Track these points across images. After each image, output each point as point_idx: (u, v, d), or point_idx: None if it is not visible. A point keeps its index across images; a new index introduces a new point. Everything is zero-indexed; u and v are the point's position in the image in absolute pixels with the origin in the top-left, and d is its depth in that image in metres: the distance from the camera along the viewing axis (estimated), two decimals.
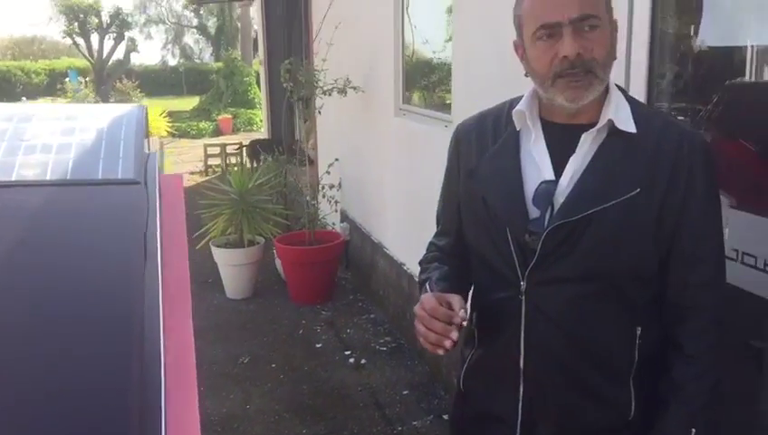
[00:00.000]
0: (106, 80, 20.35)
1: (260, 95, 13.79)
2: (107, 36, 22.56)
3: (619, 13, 2.16)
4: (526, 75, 1.42)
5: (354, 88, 5.08)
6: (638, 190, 1.30)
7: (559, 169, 1.37)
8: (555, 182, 1.36)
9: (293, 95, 5.36)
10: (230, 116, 17.93)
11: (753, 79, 1.94)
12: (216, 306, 5.18)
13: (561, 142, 1.38)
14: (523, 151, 1.42)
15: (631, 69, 2.17)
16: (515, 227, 1.38)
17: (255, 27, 14.70)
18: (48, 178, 2.14)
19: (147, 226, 2.13)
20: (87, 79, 23.65)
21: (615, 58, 1.37)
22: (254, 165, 8.61)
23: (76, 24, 21.72)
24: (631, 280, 1.36)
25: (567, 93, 1.32)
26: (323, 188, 5.66)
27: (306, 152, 6.00)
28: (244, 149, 10.58)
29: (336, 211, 5.78)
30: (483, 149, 1.48)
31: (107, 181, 2.17)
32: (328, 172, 5.61)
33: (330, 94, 5.13)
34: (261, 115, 13.78)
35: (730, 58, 1.98)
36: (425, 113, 4.16)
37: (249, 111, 18.30)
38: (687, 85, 2.18)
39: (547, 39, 1.31)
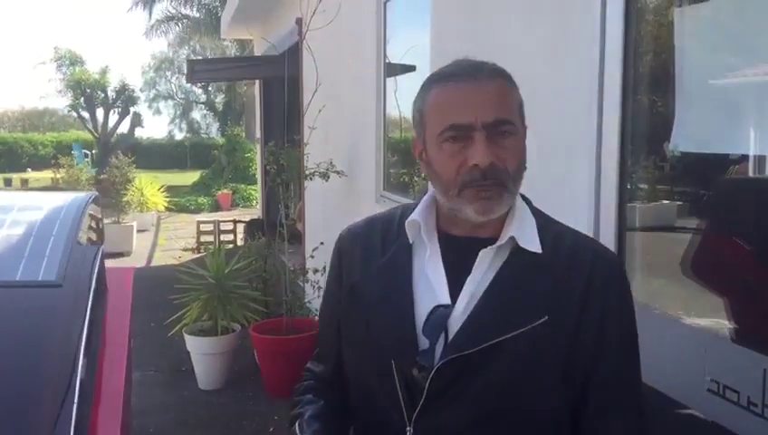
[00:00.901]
0: (110, 153, 20.57)
1: (258, 169, 13.84)
2: (112, 111, 22.94)
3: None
4: (424, 178, 1.26)
5: (338, 172, 4.96)
6: (544, 319, 1.11)
7: (456, 290, 1.18)
8: (451, 307, 1.17)
9: (276, 178, 5.25)
10: (229, 191, 17.94)
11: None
12: (185, 399, 4.89)
13: (459, 259, 1.20)
14: (415, 268, 1.23)
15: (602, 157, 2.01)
16: (402, 360, 1.16)
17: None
18: None
19: (66, 331, 1.94)
20: (93, 151, 23.92)
21: (525, 169, 1.20)
22: (251, 242, 8.50)
23: (82, 98, 22.12)
24: (536, 427, 1.15)
25: (475, 205, 1.15)
26: (307, 272, 5.47)
27: (287, 233, 5.82)
28: (242, 226, 10.47)
29: (319, 297, 5.56)
30: (369, 261, 1.27)
31: (23, 284, 1.98)
32: (312, 256, 5.44)
33: (311, 179, 5.01)
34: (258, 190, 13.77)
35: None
36: (403, 201, 4.01)
37: (249, 186, 18.32)
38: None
39: (454, 142, 1.15)
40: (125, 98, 22.79)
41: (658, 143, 1.92)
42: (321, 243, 5.64)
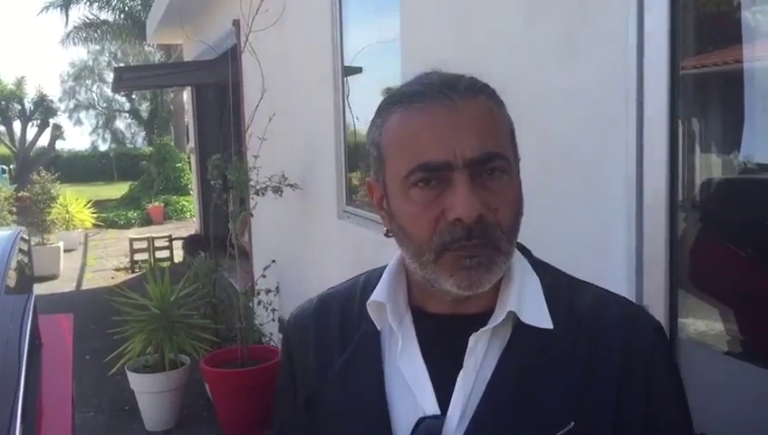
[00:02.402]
0: (30, 168, 19.52)
1: (193, 181, 13.25)
2: (30, 123, 21.75)
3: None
4: (388, 235, 0.91)
5: (291, 186, 4.57)
6: (571, 424, 0.81)
7: (446, 392, 0.86)
8: (442, 417, 0.85)
9: (223, 194, 4.81)
10: (161, 204, 17.16)
11: None
12: None
13: (444, 347, 0.88)
14: (387, 366, 0.91)
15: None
16: None
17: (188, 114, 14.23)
18: None
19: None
20: (11, 167, 22.61)
21: (522, 215, 0.88)
22: (191, 261, 7.99)
23: None
24: None
25: (458, 276, 0.83)
26: (259, 293, 5.06)
27: (235, 251, 5.38)
28: (178, 242, 9.90)
29: (274, 320, 5.14)
30: (326, 361, 0.95)
31: None
32: (264, 276, 5.03)
33: (263, 194, 4.59)
34: (194, 203, 13.17)
35: None
36: (373, 218, 3.64)
37: (182, 197, 17.59)
38: None
39: (426, 187, 0.83)
40: (43, 109, 21.59)
41: (724, 153, 1.62)
42: (273, 261, 5.24)
